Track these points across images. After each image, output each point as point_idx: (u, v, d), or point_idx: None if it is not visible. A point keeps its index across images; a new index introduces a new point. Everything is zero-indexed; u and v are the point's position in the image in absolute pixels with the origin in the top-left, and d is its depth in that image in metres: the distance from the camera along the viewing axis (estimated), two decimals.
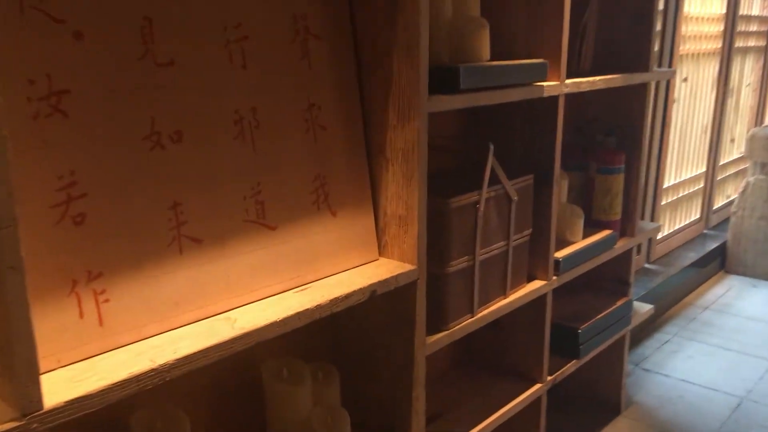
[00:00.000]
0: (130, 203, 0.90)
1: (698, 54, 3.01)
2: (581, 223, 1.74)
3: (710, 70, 3.16)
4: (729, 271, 3.31)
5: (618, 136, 1.86)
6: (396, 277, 1.18)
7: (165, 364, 0.86)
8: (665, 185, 3.00)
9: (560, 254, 1.63)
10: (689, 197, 3.28)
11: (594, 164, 1.85)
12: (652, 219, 2.88)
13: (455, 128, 1.60)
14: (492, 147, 1.34)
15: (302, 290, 1.10)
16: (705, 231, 3.46)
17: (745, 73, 3.56)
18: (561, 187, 1.76)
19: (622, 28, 1.81)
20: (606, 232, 1.81)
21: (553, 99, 1.47)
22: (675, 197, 3.13)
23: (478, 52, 1.32)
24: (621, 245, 1.87)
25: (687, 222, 3.30)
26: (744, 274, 3.27)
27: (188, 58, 0.95)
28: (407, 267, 1.21)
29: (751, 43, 3.54)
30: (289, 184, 1.10)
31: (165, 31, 0.92)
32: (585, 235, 1.78)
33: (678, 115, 2.97)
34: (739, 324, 2.75)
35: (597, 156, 1.85)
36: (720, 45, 3.17)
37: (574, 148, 1.89)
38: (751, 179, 3.18)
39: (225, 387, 1.22)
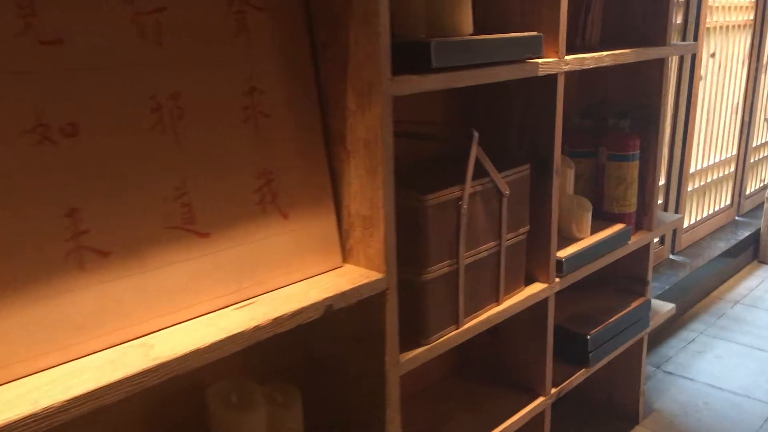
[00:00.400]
0: (10, 211, 0.74)
1: (727, 26, 2.77)
2: (589, 216, 1.55)
3: (741, 43, 2.91)
4: (763, 261, 3.08)
5: (632, 119, 1.66)
6: (358, 289, 1.01)
7: (50, 408, 0.71)
8: (691, 170, 2.78)
9: (563, 253, 1.45)
10: (718, 182, 3.04)
11: (605, 150, 1.66)
12: (677, 207, 2.66)
13: (440, 112, 1.42)
14: (476, 135, 1.16)
15: (243, 306, 0.94)
16: (736, 218, 3.23)
17: None
18: (566, 177, 1.57)
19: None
20: (618, 227, 1.62)
21: (551, 78, 1.29)
22: (703, 182, 2.90)
23: (458, 26, 1.14)
24: (636, 240, 1.68)
25: (717, 209, 3.07)
26: None
27: (83, 34, 0.79)
28: (373, 276, 1.04)
29: None
30: (225, 183, 0.93)
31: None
32: (594, 230, 1.59)
33: (705, 93, 2.74)
34: None
35: (608, 141, 1.65)
36: (752, 16, 2.92)
37: (583, 133, 1.69)
38: None
39: (168, 414, 1.07)
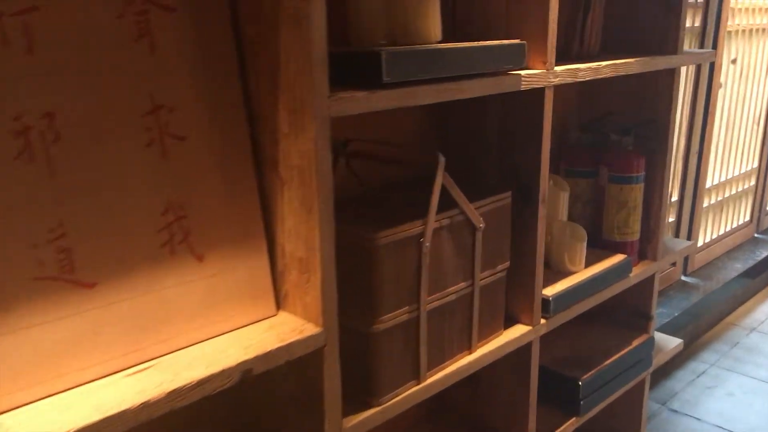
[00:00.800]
0: None
1: (751, 30, 2.56)
2: (583, 247, 1.37)
3: (766, 49, 2.70)
4: None
5: (637, 136, 1.47)
6: (288, 347, 0.84)
7: None
8: (708, 184, 2.57)
9: (551, 290, 1.27)
10: (737, 197, 2.83)
11: (605, 170, 1.47)
12: (691, 224, 2.46)
13: (410, 129, 1.24)
14: (442, 159, 0.98)
15: (137, 372, 0.77)
16: (756, 235, 3.01)
17: None
18: (558, 201, 1.39)
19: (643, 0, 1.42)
20: (618, 258, 1.43)
21: (537, 93, 1.10)
22: (720, 198, 2.70)
23: (423, 32, 0.96)
24: (638, 273, 1.49)
25: (735, 226, 2.86)
26: None
27: None
28: (308, 330, 0.87)
29: None
30: (119, 221, 0.76)
31: None
32: (591, 261, 1.41)
33: (725, 102, 2.53)
34: None
35: (609, 160, 1.47)
36: None
37: (582, 150, 1.51)
38: None
39: None
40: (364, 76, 0.86)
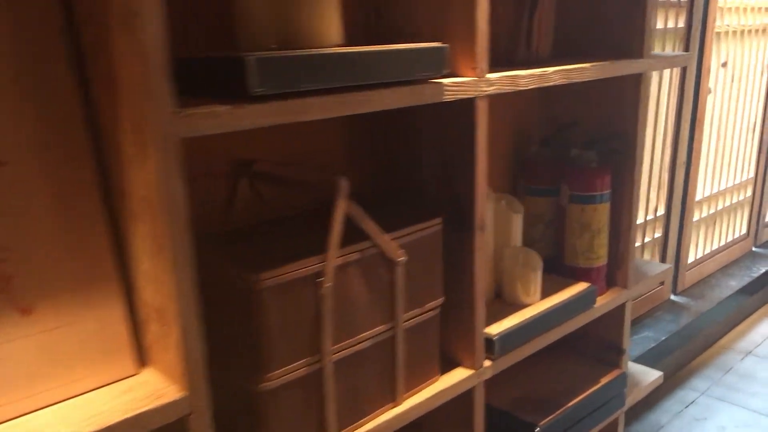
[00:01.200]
0: None
1: (743, 31, 2.39)
2: (538, 276, 1.21)
3: (761, 51, 2.53)
4: None
5: (602, 150, 1.31)
6: (137, 419, 0.69)
7: None
8: (698, 197, 2.41)
9: (497, 328, 1.11)
10: (732, 209, 2.66)
11: (567, 189, 1.32)
12: (680, 239, 2.29)
13: (337, 147, 1.08)
14: (343, 184, 0.82)
15: None
16: (754, 249, 2.84)
17: None
18: (512, 225, 1.24)
19: None
20: (581, 287, 1.27)
21: (466, 104, 0.95)
22: (713, 210, 2.53)
23: (319, 34, 0.81)
24: (606, 302, 1.33)
25: (730, 240, 2.69)
26: None
27: None
28: (170, 395, 0.72)
29: None
30: None
31: None
32: (551, 291, 1.25)
33: (715, 109, 2.36)
34: None
35: (570, 178, 1.31)
36: None
37: (542, 165, 1.35)
38: None
39: None
40: (230, 88, 0.71)
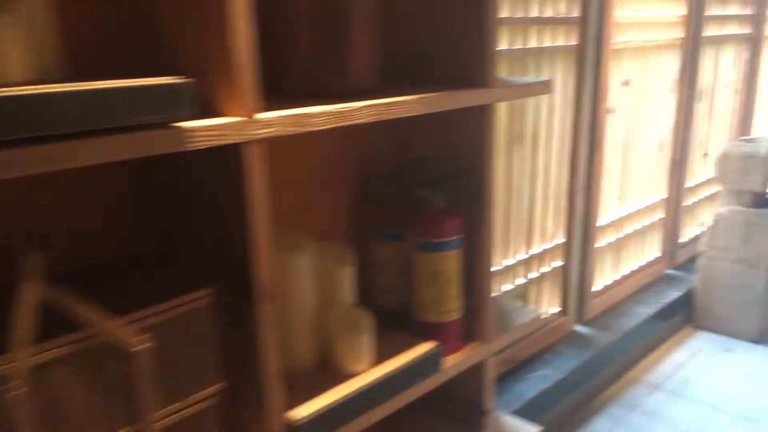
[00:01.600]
0: None
1: (646, 47, 2.28)
2: (367, 340, 1.04)
3: (667, 67, 2.43)
4: (700, 326, 2.59)
5: (450, 189, 1.15)
6: None
7: None
8: (605, 221, 2.28)
9: (306, 410, 0.94)
10: (644, 231, 2.55)
11: (412, 234, 1.15)
12: (583, 267, 2.16)
13: (80, 207, 0.89)
14: (29, 263, 0.64)
15: None
16: (668, 272, 2.74)
17: (721, 69, 2.82)
18: (340, 280, 1.07)
19: (443, 13, 1.10)
20: (422, 349, 1.11)
21: (231, 150, 0.77)
22: (621, 234, 2.41)
23: None
24: (459, 361, 1.17)
25: (643, 263, 2.57)
26: (716, 331, 2.54)
27: None
28: None
29: (729, 30, 2.79)
30: None
31: None
32: (390, 353, 1.08)
33: (619, 129, 2.24)
34: (700, 416, 2.02)
35: (415, 222, 1.15)
36: (682, 34, 2.43)
37: (385, 208, 1.19)
38: (724, 210, 2.45)
39: None
40: None
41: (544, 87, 1.21)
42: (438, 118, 1.17)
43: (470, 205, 1.16)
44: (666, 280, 2.67)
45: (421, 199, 1.15)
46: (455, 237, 1.15)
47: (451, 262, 1.15)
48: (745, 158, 2.35)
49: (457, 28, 1.09)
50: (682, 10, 2.40)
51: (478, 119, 1.12)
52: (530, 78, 1.26)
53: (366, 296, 1.22)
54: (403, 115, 0.96)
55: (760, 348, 2.42)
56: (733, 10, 2.76)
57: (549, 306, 2.12)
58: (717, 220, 2.47)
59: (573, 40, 1.89)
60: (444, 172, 1.17)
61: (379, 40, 1.01)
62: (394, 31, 1.16)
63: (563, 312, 2.15)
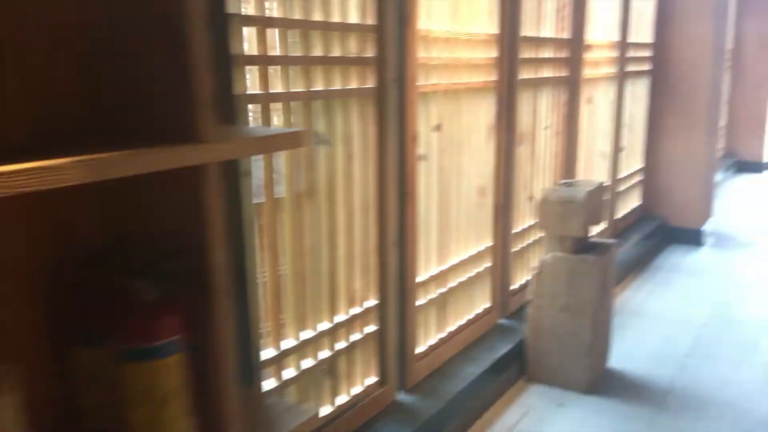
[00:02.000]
0: None
1: (458, 90, 2.15)
2: None
3: (483, 110, 2.32)
4: (532, 379, 2.46)
5: (163, 278, 0.88)
6: None
7: None
8: (423, 277, 2.10)
9: None
10: (470, 282, 2.41)
11: (115, 340, 0.87)
12: (402, 329, 1.96)
13: None
14: None
15: None
16: (500, 321, 2.61)
17: (540, 111, 2.77)
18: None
19: (149, 51, 0.85)
20: None
21: None
22: (445, 288, 2.24)
23: None
24: None
25: (472, 316, 2.42)
26: (549, 383, 2.43)
27: None
28: None
29: (546, 73, 2.76)
30: None
31: None
32: None
33: (433, 177, 2.08)
34: None
35: (118, 322, 0.86)
36: (494, 77, 2.34)
37: (81, 303, 0.90)
38: (548, 257, 2.35)
39: None
40: None
41: (295, 139, 0.97)
42: (154, 183, 0.90)
43: (193, 293, 0.90)
44: (498, 332, 2.53)
45: (124, 292, 0.87)
46: (173, 338, 0.88)
47: (169, 372, 0.88)
48: (563, 203, 2.26)
49: (159, 75, 0.84)
50: (493, 52, 2.30)
51: (195, 183, 0.86)
52: (277, 129, 1.03)
53: (70, 419, 0.91)
54: (63, 184, 0.68)
55: (591, 400, 2.32)
56: (547, 53, 2.74)
57: (364, 377, 1.89)
58: (541, 268, 2.37)
59: (370, 83, 1.70)
60: (160, 252, 0.90)
61: (57, 82, 0.73)
62: (99, 69, 0.89)
63: (382, 381, 1.93)
